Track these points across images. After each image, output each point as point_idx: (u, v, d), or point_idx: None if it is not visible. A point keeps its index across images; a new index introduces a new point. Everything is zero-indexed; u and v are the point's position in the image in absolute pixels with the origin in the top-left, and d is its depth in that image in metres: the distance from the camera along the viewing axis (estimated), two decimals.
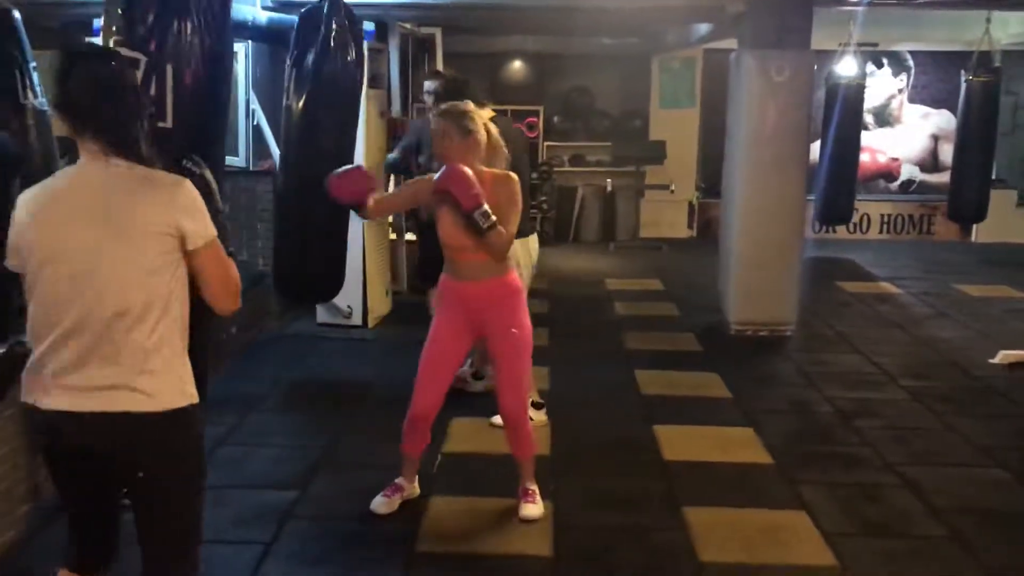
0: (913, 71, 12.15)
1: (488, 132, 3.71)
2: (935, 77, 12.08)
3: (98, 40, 3.95)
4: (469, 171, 3.52)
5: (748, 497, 4.14)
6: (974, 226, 11.59)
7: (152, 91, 3.26)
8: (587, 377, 5.88)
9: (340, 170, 3.66)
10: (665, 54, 11.48)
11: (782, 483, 4.31)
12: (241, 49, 7.12)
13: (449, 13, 8.12)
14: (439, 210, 3.66)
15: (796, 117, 6.71)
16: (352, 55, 4.79)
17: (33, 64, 4.22)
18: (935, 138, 12.22)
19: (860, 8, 7.67)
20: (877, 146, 12.19)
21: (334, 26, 4.69)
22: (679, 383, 5.78)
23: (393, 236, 7.42)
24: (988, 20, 8.81)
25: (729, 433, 4.93)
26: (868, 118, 11.64)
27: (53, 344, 2.21)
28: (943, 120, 12.06)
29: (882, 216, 12.12)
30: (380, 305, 7.00)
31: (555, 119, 11.62)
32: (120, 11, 3.35)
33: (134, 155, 2.24)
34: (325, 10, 4.70)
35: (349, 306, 6.62)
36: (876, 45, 11.27)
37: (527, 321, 3.82)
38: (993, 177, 10.27)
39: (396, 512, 3.88)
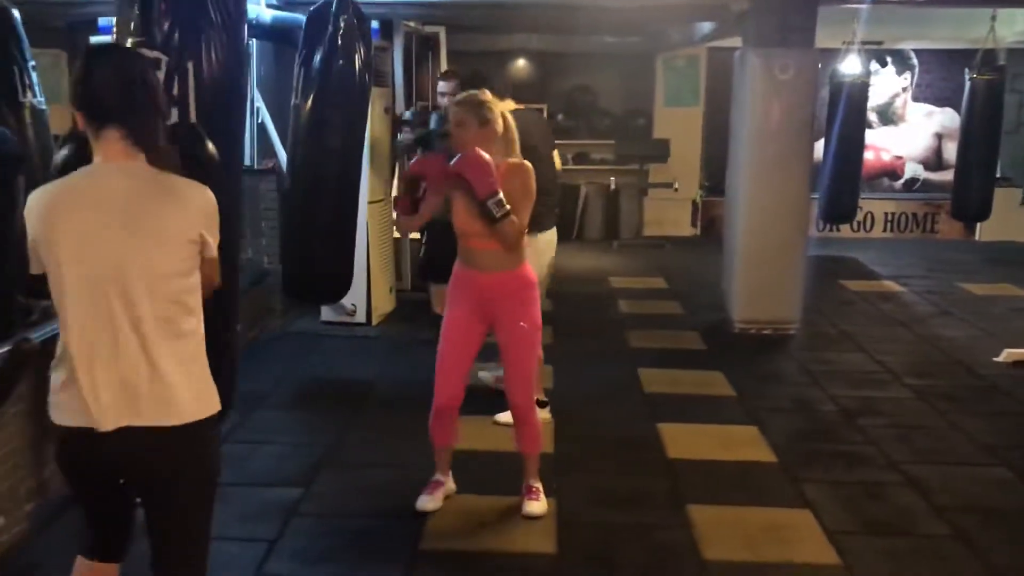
0: (917, 69, 12.14)
1: (505, 122, 3.72)
2: (939, 75, 12.08)
3: (107, 39, 3.94)
4: (488, 157, 3.53)
5: (752, 495, 4.14)
6: (978, 224, 11.57)
7: (175, 91, 3.21)
8: (591, 375, 5.88)
9: (457, 157, 3.53)
10: (669, 52, 11.48)
11: (786, 481, 4.31)
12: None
13: (453, 11, 8.12)
14: (453, 196, 3.67)
15: (800, 115, 6.71)
16: (360, 53, 4.77)
17: (32, 63, 4.22)
18: (939, 136, 12.21)
19: (864, 6, 7.64)
20: (881, 144, 12.19)
21: (342, 24, 4.68)
22: (683, 381, 5.78)
23: (397, 234, 7.43)
24: (993, 18, 8.79)
25: (733, 431, 4.93)
26: (872, 116, 11.65)
27: (77, 350, 2.18)
28: (947, 118, 12.05)
29: (886, 214, 12.11)
30: (384, 303, 7.00)
31: (559, 117, 11.61)
32: (136, 11, 3.29)
33: (153, 152, 2.23)
34: (333, 8, 4.69)
35: (353, 304, 6.62)
36: (880, 43, 11.26)
37: (537, 316, 3.81)
38: (997, 175, 10.24)
39: (399, 510, 3.88)
